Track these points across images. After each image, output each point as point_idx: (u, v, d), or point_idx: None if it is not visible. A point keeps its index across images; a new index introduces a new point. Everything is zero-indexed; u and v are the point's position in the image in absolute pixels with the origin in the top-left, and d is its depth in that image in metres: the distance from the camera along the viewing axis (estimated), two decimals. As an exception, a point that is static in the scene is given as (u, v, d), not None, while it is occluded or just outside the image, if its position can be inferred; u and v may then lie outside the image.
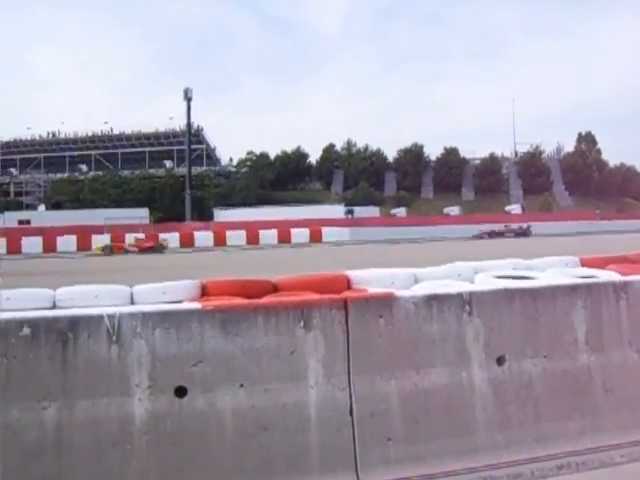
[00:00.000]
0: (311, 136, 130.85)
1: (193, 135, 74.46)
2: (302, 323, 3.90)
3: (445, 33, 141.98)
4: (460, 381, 4.18)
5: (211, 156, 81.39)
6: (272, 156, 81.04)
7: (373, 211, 63.81)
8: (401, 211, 67.73)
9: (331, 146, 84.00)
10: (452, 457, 4.01)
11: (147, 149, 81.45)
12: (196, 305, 4.08)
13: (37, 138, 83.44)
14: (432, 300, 4.24)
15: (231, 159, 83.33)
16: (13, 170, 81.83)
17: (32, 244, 41.63)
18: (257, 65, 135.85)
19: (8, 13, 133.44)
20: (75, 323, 3.62)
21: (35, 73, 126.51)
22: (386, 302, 4.14)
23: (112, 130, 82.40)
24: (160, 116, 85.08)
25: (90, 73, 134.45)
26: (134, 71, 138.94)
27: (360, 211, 61.20)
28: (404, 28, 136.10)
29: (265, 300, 5.22)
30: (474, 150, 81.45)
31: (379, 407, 3.96)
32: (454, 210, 66.17)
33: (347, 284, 8.21)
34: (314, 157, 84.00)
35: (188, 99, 69.56)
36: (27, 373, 3.51)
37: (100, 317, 3.63)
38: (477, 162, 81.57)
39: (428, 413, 4.05)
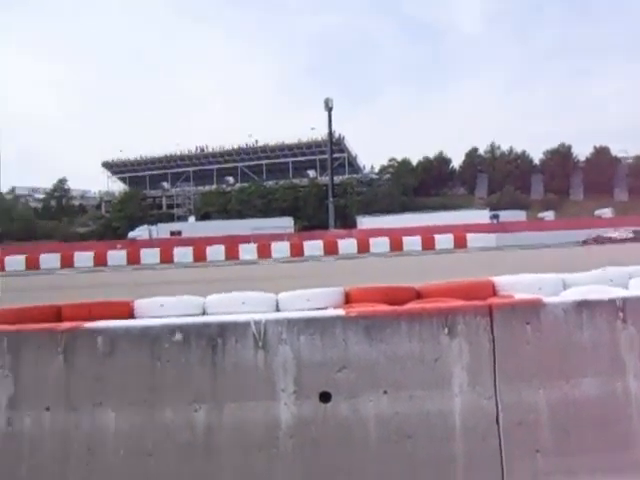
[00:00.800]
0: (453, 141, 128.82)
1: (334, 144, 75.31)
2: (446, 330, 3.82)
3: (591, 27, 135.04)
4: (614, 392, 3.94)
5: (353, 164, 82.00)
6: (414, 162, 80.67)
7: (519, 215, 61.78)
8: (549, 214, 65.28)
9: (474, 150, 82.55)
10: (607, 473, 3.78)
11: (290, 159, 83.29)
12: (340, 312, 4.10)
13: (186, 153, 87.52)
14: (582, 306, 4.02)
15: (372, 167, 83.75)
16: (165, 184, 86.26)
17: (183, 254, 43.62)
18: (398, 72, 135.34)
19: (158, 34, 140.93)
20: (224, 329, 3.74)
21: (182, 90, 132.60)
22: (533, 308, 3.98)
23: (257, 142, 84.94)
24: (302, 127, 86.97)
25: (233, 89, 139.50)
26: (277, 84, 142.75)
27: (506, 215, 59.38)
28: (549, 24, 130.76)
29: (408, 307, 5.16)
30: (626, 149, 77.27)
31: (527, 417, 3.81)
32: (606, 212, 62.89)
33: (492, 290, 7.97)
34: (457, 162, 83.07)
35: (329, 109, 70.61)
36: (179, 376, 3.67)
37: (247, 323, 3.73)
38: (630, 161, 77.22)
39: (579, 425, 3.85)
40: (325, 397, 3.66)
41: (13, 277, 33.96)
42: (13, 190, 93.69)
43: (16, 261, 42.60)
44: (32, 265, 42.11)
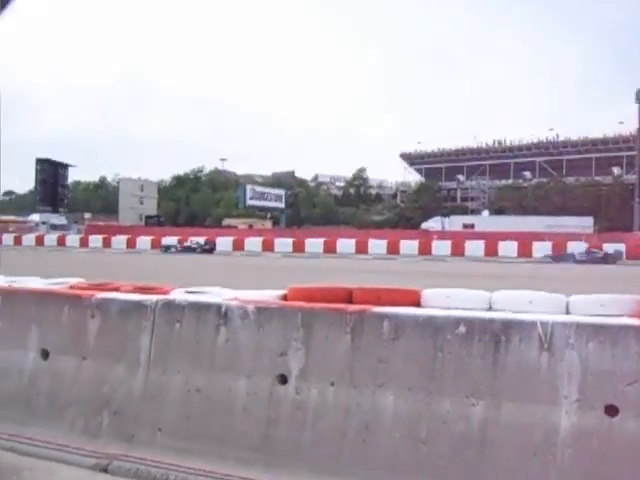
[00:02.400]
0: None
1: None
2: None
3: None
4: None
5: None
6: None
7: None
8: None
9: None
10: None
11: (594, 155, 78.69)
12: (635, 322, 3.79)
13: (483, 146, 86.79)
14: None
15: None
16: (460, 177, 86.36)
17: (475, 248, 43.38)
18: None
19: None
20: (508, 326, 3.68)
21: (483, 83, 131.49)
22: None
23: (557, 136, 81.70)
24: (609, 120, 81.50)
25: (535, 79, 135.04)
26: (581, 75, 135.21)
27: None
28: None
29: None
30: None
31: None
32: None
33: None
34: None
35: (640, 101, 65.35)
36: (459, 369, 3.68)
37: (533, 323, 3.62)
38: None
39: None
40: (611, 410, 3.42)
41: (309, 259, 36.55)
42: (316, 178, 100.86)
43: (315, 244, 45.65)
44: (330, 249, 44.85)
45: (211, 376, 4.25)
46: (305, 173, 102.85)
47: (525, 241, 43.89)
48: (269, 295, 6.56)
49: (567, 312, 7.03)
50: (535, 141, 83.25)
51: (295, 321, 4.11)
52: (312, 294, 6.49)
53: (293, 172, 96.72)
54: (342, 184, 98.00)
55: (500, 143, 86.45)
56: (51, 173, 70.69)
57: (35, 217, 69.60)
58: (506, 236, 45.79)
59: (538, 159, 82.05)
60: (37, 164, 69.55)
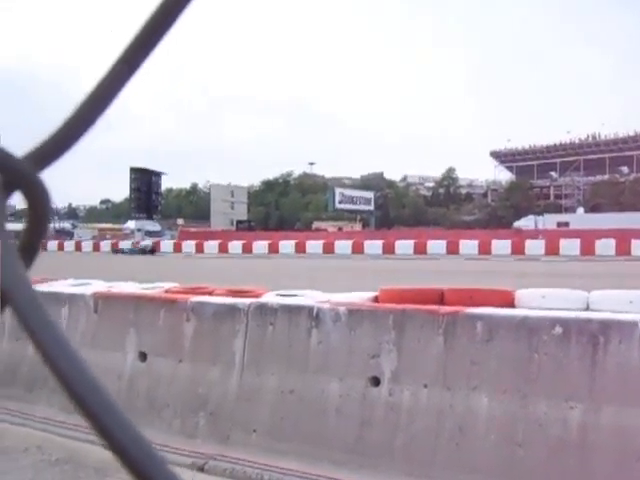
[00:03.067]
0: None
1: None
2: None
3: None
4: None
5: None
6: None
7: None
8: None
9: None
10: None
11: (696, 146, 75.14)
12: None
13: (576, 141, 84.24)
14: None
15: None
16: (553, 173, 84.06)
17: (570, 246, 42.11)
18: None
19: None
20: (607, 327, 3.57)
21: (575, 74, 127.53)
22: None
23: (656, 128, 78.45)
24: None
25: (631, 71, 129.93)
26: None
27: None
28: None
29: None
30: None
31: None
32: None
33: None
34: None
35: None
36: (556, 371, 3.59)
37: (634, 323, 3.51)
38: None
39: None
40: None
41: (400, 260, 36.41)
42: (405, 178, 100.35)
43: (405, 245, 45.39)
44: (420, 250, 44.48)
45: (304, 378, 4.31)
46: (394, 174, 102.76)
47: (623, 239, 42.29)
48: (360, 297, 6.58)
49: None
50: (632, 134, 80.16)
51: (387, 323, 4.11)
52: (403, 295, 6.47)
53: (382, 174, 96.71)
54: (431, 184, 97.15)
55: (594, 137, 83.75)
56: (145, 181, 73.21)
57: (131, 224, 72.12)
58: (603, 234, 44.17)
59: (636, 153, 78.92)
60: (131, 173, 72.19)
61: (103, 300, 5.50)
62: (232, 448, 4.35)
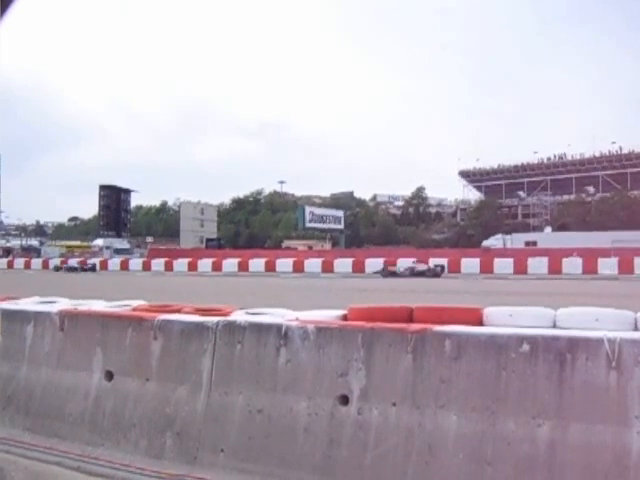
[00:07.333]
0: None
1: None
2: None
3: None
4: None
5: None
6: None
7: None
8: None
9: None
10: None
11: (659, 167, 76.53)
12: None
13: (544, 161, 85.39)
14: None
15: None
16: (521, 193, 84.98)
17: (538, 265, 42.50)
18: None
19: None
20: (574, 344, 3.59)
21: (542, 96, 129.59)
22: None
23: (621, 149, 79.71)
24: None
25: (597, 92, 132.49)
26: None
27: None
28: None
29: None
30: None
31: None
32: None
33: None
34: None
35: None
36: (524, 389, 3.60)
37: (600, 340, 3.53)
38: None
39: None
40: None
41: (369, 279, 36.47)
42: (375, 197, 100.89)
43: (375, 264, 45.35)
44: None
45: (272, 397, 4.27)
46: (364, 193, 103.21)
47: (590, 257, 42.84)
48: (329, 315, 6.56)
49: (636, 329, 6.83)
50: (597, 155, 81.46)
51: (356, 341, 4.09)
52: (372, 314, 6.47)
53: (352, 193, 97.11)
54: (401, 203, 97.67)
55: (561, 157, 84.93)
56: (114, 199, 72.71)
57: (99, 242, 71.45)
58: (570, 253, 44.80)
59: (601, 173, 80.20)
60: (100, 190, 71.64)
61: (69, 318, 5.40)
62: (199, 469, 4.29)
